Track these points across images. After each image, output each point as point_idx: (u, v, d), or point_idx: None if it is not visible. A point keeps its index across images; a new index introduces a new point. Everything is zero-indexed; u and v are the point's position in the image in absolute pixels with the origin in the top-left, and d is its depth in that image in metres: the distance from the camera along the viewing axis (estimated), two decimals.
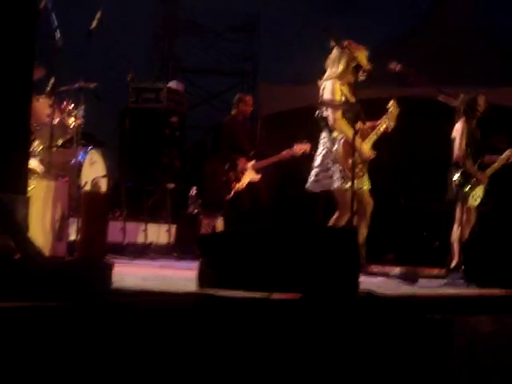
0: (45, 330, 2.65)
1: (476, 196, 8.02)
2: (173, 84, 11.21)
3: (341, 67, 6.72)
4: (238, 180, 9.02)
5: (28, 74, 4.59)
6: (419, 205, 11.52)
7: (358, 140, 6.62)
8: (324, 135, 6.83)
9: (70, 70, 7.91)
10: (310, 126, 7.11)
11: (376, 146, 6.92)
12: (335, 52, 6.80)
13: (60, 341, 2.67)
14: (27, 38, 4.50)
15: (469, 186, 7.93)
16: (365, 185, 6.86)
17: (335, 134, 6.74)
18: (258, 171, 9.08)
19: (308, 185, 6.87)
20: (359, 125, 6.76)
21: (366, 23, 13.91)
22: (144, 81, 10.99)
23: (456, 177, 7.65)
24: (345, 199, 6.63)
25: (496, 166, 8.16)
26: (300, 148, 8.85)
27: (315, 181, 6.81)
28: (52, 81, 7.58)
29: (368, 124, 6.96)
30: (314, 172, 6.82)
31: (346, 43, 6.67)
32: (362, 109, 6.83)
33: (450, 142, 8.06)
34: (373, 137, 6.90)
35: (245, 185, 8.99)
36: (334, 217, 6.76)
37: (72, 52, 7.59)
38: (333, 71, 6.81)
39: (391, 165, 7.36)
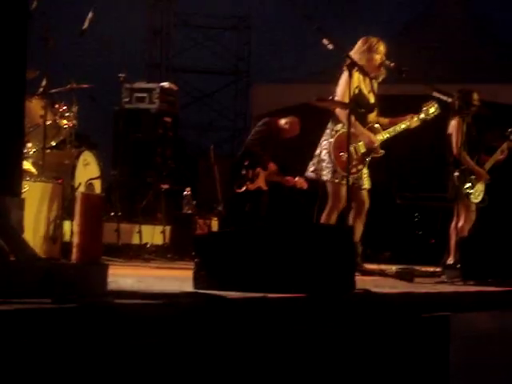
0: (40, 333, 2.63)
1: (478, 193, 8.03)
2: (165, 84, 11.19)
3: (356, 57, 6.70)
4: (252, 181, 9.11)
5: (21, 75, 4.56)
6: (414, 203, 11.52)
7: (362, 134, 6.67)
8: (329, 125, 6.85)
9: (62, 70, 7.89)
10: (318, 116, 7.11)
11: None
12: (358, 43, 6.83)
13: (55, 343, 2.65)
14: (19, 39, 4.47)
15: (469, 183, 7.93)
16: (364, 184, 6.85)
17: (339, 126, 6.74)
18: (267, 183, 9.26)
19: (307, 172, 6.93)
20: (374, 121, 6.81)
21: (364, 18, 13.91)
22: (136, 81, 10.95)
23: (456, 174, 7.63)
24: (334, 192, 6.71)
25: (492, 160, 8.17)
26: (301, 183, 9.23)
27: (312, 170, 6.87)
28: (44, 82, 7.56)
29: (385, 120, 6.95)
30: (312, 161, 6.88)
31: (371, 39, 6.78)
32: (378, 104, 6.87)
33: (444, 139, 8.06)
34: (386, 134, 6.87)
35: (255, 187, 9.12)
36: (326, 210, 6.79)
37: (64, 53, 7.57)
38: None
39: (386, 163, 7.33)
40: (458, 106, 7.77)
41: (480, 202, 8.09)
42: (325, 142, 6.83)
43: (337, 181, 6.69)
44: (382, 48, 6.82)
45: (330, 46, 6.19)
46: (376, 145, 6.83)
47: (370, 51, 6.78)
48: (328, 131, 6.84)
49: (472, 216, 8.04)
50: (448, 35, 13.25)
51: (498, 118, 9.04)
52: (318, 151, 6.87)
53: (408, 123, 6.90)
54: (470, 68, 12.27)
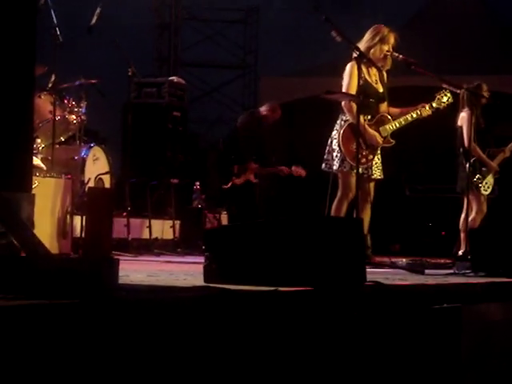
0: (52, 328, 2.64)
1: (488, 184, 8.01)
2: (174, 78, 11.19)
3: (364, 46, 6.68)
4: (238, 175, 9.18)
5: (30, 71, 4.57)
6: (424, 195, 11.50)
7: (366, 126, 6.66)
8: (339, 117, 6.85)
9: (71, 66, 7.90)
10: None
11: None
12: (369, 32, 6.82)
13: (67, 338, 2.66)
14: (28, 35, 4.47)
15: (479, 175, 7.93)
16: (374, 173, 6.83)
17: (347, 117, 6.73)
18: (256, 176, 9.31)
19: (322, 166, 6.91)
20: (384, 111, 6.80)
21: (370, 9, 13.89)
22: (145, 75, 10.96)
23: (467, 165, 7.60)
24: (344, 181, 6.72)
25: (504, 155, 8.15)
26: (297, 171, 9.41)
27: (324, 161, 6.87)
28: (53, 78, 7.58)
29: (397, 110, 6.93)
30: (325, 154, 6.88)
31: (380, 27, 6.77)
32: (387, 95, 6.85)
33: (454, 131, 8.04)
34: (397, 123, 6.85)
35: (242, 182, 9.20)
36: (336, 199, 6.80)
37: (73, 48, 7.58)
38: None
39: (395, 154, 7.31)
40: (468, 97, 7.75)
41: (490, 193, 8.08)
42: (334, 132, 6.83)
43: (345, 170, 6.69)
44: (391, 39, 6.79)
45: (338, 38, 6.19)
46: (380, 143, 6.82)
47: (379, 41, 6.76)
48: (338, 121, 6.84)
49: (483, 207, 8.02)
50: (455, 26, 13.21)
51: (508, 109, 9.04)
52: (328, 142, 6.88)
53: (419, 112, 6.86)
54: (478, 59, 12.23)
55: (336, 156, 6.76)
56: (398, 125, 6.85)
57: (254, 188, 9.39)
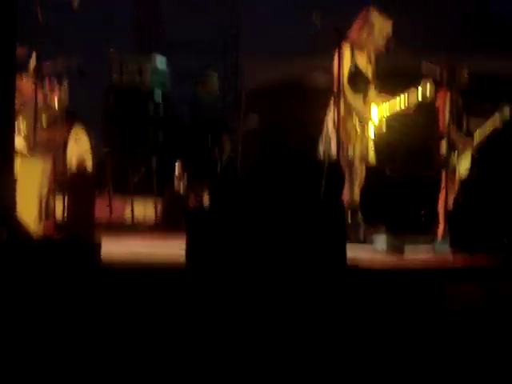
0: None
1: (463, 165, 8.07)
2: (155, 58, 11.18)
3: (356, 31, 6.68)
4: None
5: (10, 53, 4.58)
6: (404, 175, 11.54)
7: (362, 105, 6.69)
8: (331, 104, 6.82)
9: (51, 46, 7.87)
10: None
11: None
12: (359, 16, 6.79)
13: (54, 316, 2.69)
14: (8, 17, 4.48)
15: (455, 156, 7.98)
16: (369, 157, 6.84)
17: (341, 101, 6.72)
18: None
19: (317, 153, 6.89)
20: (371, 94, 6.81)
21: None
22: (126, 55, 10.91)
23: (442, 146, 7.66)
24: (350, 168, 6.71)
25: (483, 131, 8.20)
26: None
27: (321, 150, 6.84)
28: (34, 58, 7.55)
29: (384, 96, 6.94)
30: (320, 141, 6.86)
31: (370, 9, 6.71)
32: (377, 78, 6.85)
33: (432, 112, 8.08)
34: (386, 111, 6.87)
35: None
36: (346, 190, 6.78)
37: (53, 28, 7.55)
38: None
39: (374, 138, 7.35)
40: (446, 79, 7.79)
41: (468, 174, 8.14)
42: (328, 117, 6.79)
43: (348, 156, 6.68)
44: (382, 21, 6.76)
45: (318, 22, 6.18)
46: (370, 119, 6.84)
47: (370, 25, 6.74)
48: (331, 107, 6.81)
49: (455, 187, 8.09)
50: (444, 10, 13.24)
51: (488, 91, 9.06)
52: (324, 132, 6.84)
53: (404, 100, 6.88)
54: (463, 41, 12.27)
55: (331, 140, 6.71)
56: (387, 113, 6.87)
57: (235, 161, 9.40)
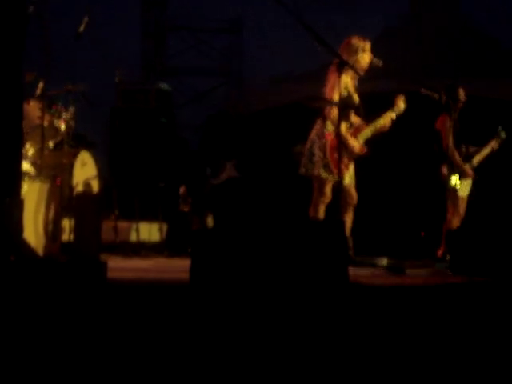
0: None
1: (465, 186, 8.14)
2: (160, 85, 11.30)
3: (345, 57, 6.77)
4: (216, 175, 9.31)
5: (18, 79, 4.67)
6: (406, 196, 11.59)
7: (349, 135, 6.77)
8: (318, 122, 6.90)
9: (59, 73, 7.99)
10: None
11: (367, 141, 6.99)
12: (345, 44, 6.89)
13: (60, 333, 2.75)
14: (17, 43, 4.57)
15: (457, 177, 8.04)
16: (346, 179, 6.90)
17: (329, 125, 6.81)
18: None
19: (299, 169, 6.97)
20: (356, 120, 6.90)
21: (352, 19, 14.00)
22: (132, 82, 11.04)
23: (445, 168, 7.75)
24: (321, 188, 6.79)
25: (481, 157, 8.28)
26: None
27: (302, 165, 6.92)
28: (41, 84, 7.66)
29: (359, 121, 7.03)
30: (303, 158, 6.94)
31: (357, 39, 6.82)
32: (362, 104, 6.93)
33: (433, 134, 8.16)
34: (367, 132, 6.96)
35: (221, 181, 9.32)
36: (312, 205, 6.87)
37: (61, 55, 7.67)
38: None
39: (376, 159, 7.42)
40: (445, 101, 7.87)
41: (468, 195, 8.21)
42: (315, 138, 6.88)
43: (323, 176, 6.78)
44: (368, 47, 6.89)
45: (320, 47, 6.27)
46: (361, 152, 6.93)
47: (358, 51, 6.86)
48: (318, 127, 6.90)
49: (460, 209, 8.14)
50: (434, 32, 13.35)
51: (486, 113, 9.15)
52: (307, 146, 6.94)
53: (383, 121, 6.97)
54: (456, 64, 12.37)
55: (316, 161, 6.83)
56: (369, 133, 6.97)
57: (237, 184, 9.44)
